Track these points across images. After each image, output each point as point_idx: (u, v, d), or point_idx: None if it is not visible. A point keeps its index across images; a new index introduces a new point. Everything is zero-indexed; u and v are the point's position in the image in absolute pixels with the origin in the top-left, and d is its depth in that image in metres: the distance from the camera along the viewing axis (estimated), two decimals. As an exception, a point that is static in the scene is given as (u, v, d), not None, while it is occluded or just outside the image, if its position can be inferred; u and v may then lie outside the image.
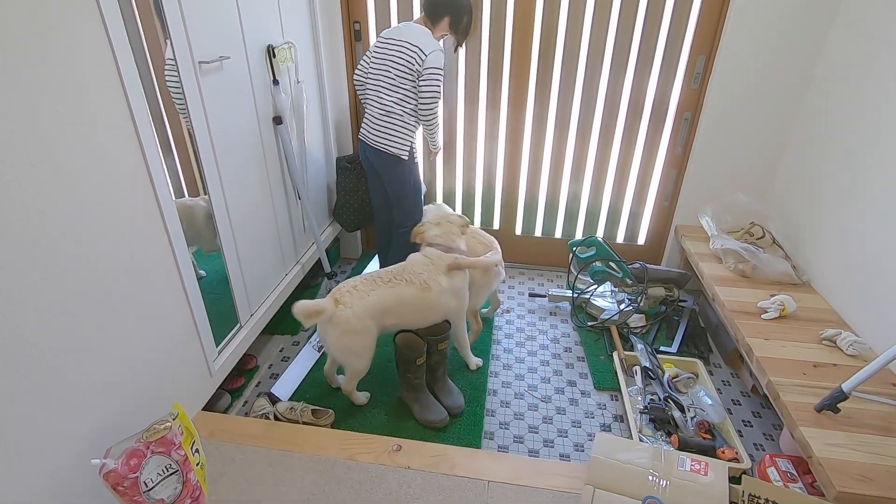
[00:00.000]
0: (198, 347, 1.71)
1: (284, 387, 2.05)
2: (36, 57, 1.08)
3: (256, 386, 2.14)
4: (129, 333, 1.40)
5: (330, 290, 1.87)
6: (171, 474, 1.30)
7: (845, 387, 1.48)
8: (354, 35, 2.61)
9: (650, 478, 1.31)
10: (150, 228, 1.45)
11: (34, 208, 1.10)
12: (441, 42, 2.22)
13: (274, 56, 2.04)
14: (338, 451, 1.62)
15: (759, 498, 1.27)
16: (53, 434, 1.19)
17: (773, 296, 2.04)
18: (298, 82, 2.31)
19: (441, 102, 2.51)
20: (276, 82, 2.08)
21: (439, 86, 2.16)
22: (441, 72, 2.15)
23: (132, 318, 1.40)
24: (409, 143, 2.29)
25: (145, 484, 1.25)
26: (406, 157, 2.31)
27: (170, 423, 1.30)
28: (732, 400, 2.11)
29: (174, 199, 1.53)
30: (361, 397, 2.00)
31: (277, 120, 2.13)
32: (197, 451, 1.40)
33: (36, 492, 1.15)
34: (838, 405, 1.50)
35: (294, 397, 2.03)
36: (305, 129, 2.37)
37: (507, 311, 2.63)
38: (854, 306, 1.93)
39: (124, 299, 1.37)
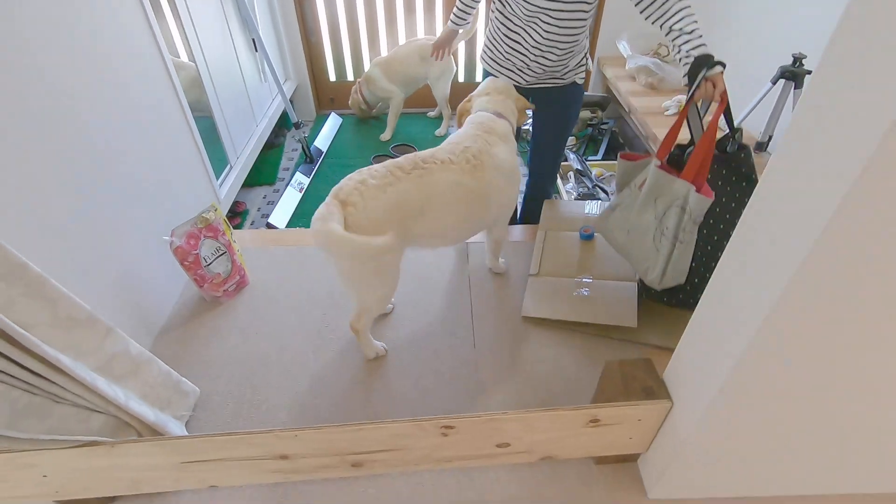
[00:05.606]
0: (205, 175, 1.95)
1: (280, 215, 2.36)
2: None
3: (251, 224, 2.43)
4: (159, 162, 1.62)
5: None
6: (221, 254, 1.62)
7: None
8: None
9: (586, 210, 1.80)
10: (159, 82, 1.62)
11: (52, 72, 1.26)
12: None
13: None
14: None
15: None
16: (129, 223, 1.45)
17: (674, 97, 2.51)
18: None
19: None
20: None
21: None
22: None
23: (157, 148, 1.62)
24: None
25: (205, 259, 1.57)
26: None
27: (213, 214, 1.59)
28: (645, 188, 2.65)
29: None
30: (376, 347, 1.44)
31: (227, -35, 2.18)
32: (234, 241, 1.71)
33: (121, 268, 1.44)
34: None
35: (290, 223, 2.35)
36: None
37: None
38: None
39: (148, 137, 1.57)
